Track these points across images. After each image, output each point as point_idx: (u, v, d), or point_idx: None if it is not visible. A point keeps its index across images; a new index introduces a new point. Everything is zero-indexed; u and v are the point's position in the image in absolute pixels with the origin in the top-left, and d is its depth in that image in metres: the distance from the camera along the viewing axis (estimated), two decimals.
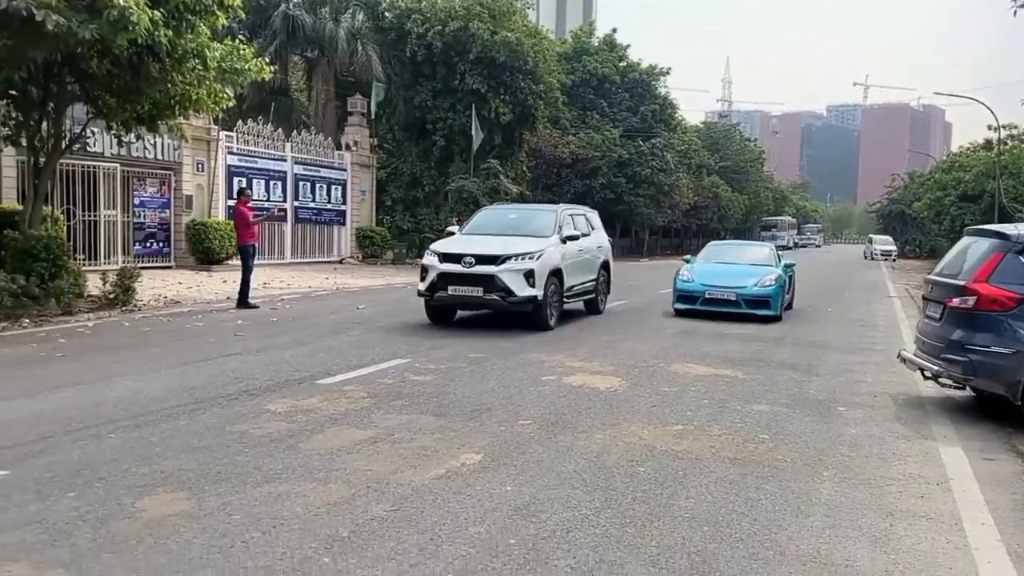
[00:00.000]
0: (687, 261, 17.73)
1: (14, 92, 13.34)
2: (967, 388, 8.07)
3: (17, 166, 17.90)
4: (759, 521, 4.90)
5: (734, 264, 17.02)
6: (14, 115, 14.02)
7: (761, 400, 8.51)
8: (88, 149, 17.95)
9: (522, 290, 12.39)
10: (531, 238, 13.53)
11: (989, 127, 47.91)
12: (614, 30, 55.48)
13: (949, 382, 7.83)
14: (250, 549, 4.20)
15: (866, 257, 65.74)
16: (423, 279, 13.16)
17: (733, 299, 15.37)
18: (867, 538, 4.72)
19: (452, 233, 15.35)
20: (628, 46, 54.85)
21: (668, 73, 56.33)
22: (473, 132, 33.78)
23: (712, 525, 4.81)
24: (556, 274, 13.38)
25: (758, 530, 4.76)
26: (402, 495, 5.14)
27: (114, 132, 14.82)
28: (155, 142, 22.14)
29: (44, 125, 14.25)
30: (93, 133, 16.42)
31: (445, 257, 12.93)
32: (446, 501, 5.06)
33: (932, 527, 4.93)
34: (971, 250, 8.06)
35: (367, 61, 33.14)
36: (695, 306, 15.72)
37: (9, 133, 14.32)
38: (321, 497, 5.05)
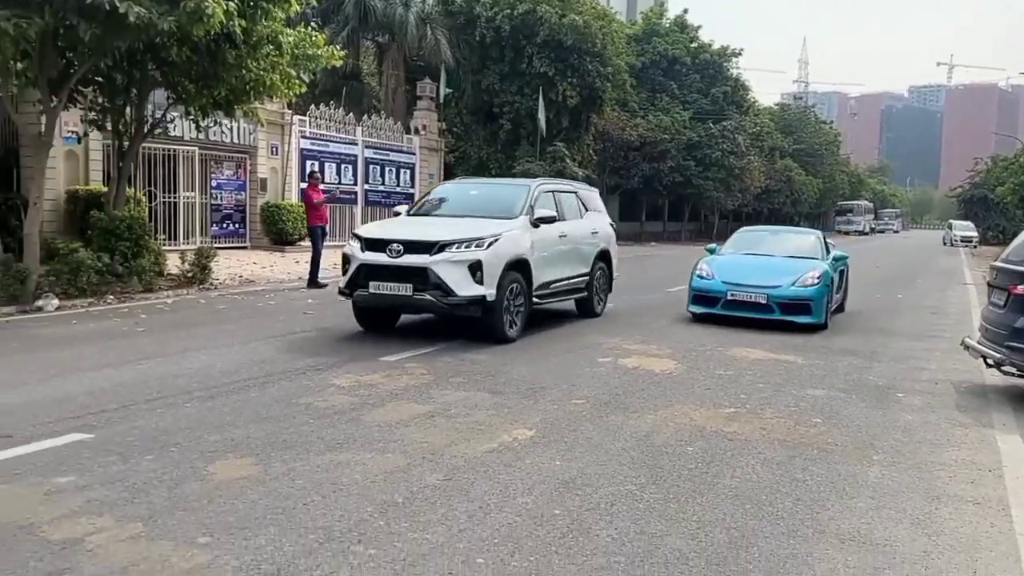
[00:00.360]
0: (710, 251, 13.92)
1: (100, 79, 13.83)
2: None
3: (103, 150, 18.53)
4: (802, 501, 4.97)
5: (768, 257, 13.11)
6: (100, 101, 14.55)
7: (818, 385, 8.47)
8: (168, 133, 18.48)
9: (465, 288, 9.30)
10: (490, 220, 10.43)
11: None
12: (685, 11, 54.77)
13: (1012, 370, 7.71)
14: (310, 511, 4.45)
15: (945, 243, 63.50)
16: (344, 272, 10.32)
17: (763, 302, 11.75)
18: (910, 520, 4.76)
19: (399, 214, 12.31)
20: (699, 27, 54.18)
21: (740, 54, 55.47)
22: (540, 115, 33.80)
23: (755, 503, 4.90)
24: (519, 267, 10.18)
25: (800, 509, 4.83)
26: (455, 466, 5.33)
27: (192, 117, 15.25)
28: (231, 126, 22.63)
29: (128, 110, 14.77)
30: (173, 118, 16.88)
31: (369, 244, 9.82)
32: (496, 473, 5.24)
33: (978, 512, 4.93)
34: None
35: (436, 45, 33.34)
36: (714, 310, 12.23)
37: (95, 118, 14.87)
38: (379, 466, 5.27)
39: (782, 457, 5.87)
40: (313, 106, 28.05)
